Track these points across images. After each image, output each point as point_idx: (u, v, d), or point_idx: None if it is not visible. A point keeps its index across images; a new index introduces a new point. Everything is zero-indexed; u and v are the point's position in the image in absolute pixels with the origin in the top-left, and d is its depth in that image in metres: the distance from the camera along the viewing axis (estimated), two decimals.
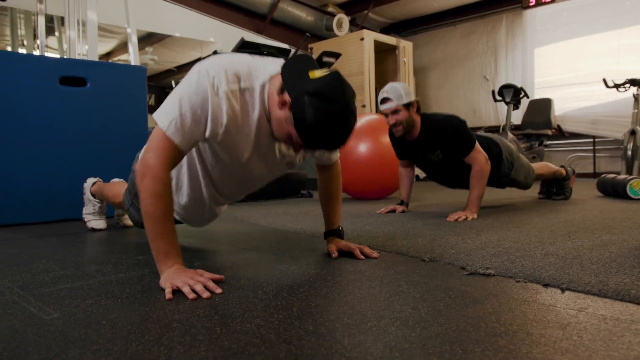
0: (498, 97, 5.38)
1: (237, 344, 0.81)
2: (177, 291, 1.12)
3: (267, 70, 1.24)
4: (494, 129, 6.17)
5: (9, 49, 5.11)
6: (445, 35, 7.18)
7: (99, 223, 2.22)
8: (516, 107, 5.33)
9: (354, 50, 5.79)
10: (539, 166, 3.13)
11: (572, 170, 3.34)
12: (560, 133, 5.71)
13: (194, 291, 1.10)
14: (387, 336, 0.83)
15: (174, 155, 1.21)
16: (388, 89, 2.50)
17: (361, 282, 1.21)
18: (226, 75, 1.19)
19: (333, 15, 6.62)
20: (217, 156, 1.36)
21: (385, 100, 2.50)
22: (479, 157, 2.49)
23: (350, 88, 1.18)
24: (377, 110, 6.32)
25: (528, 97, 5.32)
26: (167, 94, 4.00)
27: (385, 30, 7.72)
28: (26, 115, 2.48)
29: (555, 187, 3.34)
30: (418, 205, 3.18)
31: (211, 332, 0.87)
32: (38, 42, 3.76)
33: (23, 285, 1.24)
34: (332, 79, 1.14)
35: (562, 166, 3.33)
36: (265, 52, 3.80)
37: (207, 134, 1.22)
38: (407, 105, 2.49)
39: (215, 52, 3.63)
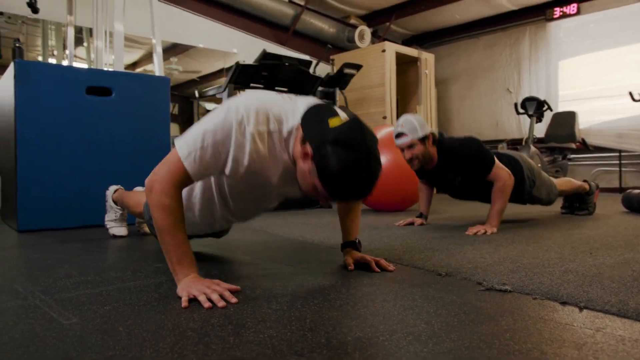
0: (521, 110, 5.32)
1: (249, 354, 0.82)
2: (193, 300, 1.14)
3: (296, 116, 1.24)
4: (517, 142, 6.10)
5: (40, 58, 5.27)
6: (468, 47, 7.15)
7: (120, 230, 2.27)
8: (539, 120, 5.26)
9: (376, 62, 5.81)
10: (561, 182, 3.08)
11: (595, 185, 3.27)
12: (584, 147, 5.60)
13: (209, 300, 1.12)
14: (399, 351, 0.83)
15: (185, 180, 1.22)
16: (402, 123, 2.47)
17: (375, 295, 1.21)
18: (256, 115, 1.19)
19: (355, 27, 6.66)
20: (236, 185, 1.35)
21: (400, 135, 2.47)
22: (501, 173, 2.47)
23: (370, 133, 1.17)
24: None
25: (551, 110, 5.25)
26: (191, 103, 4.07)
27: (408, 42, 7.72)
28: (54, 124, 2.56)
29: (579, 202, 3.28)
30: (437, 217, 3.16)
31: (224, 342, 0.88)
32: (67, 52, 3.88)
33: (45, 290, 1.27)
34: (352, 125, 1.14)
35: (585, 181, 3.26)
36: (287, 64, 3.85)
37: (227, 171, 1.23)
38: (423, 139, 2.45)
39: (237, 64, 3.70)
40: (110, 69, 3.80)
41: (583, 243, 2.00)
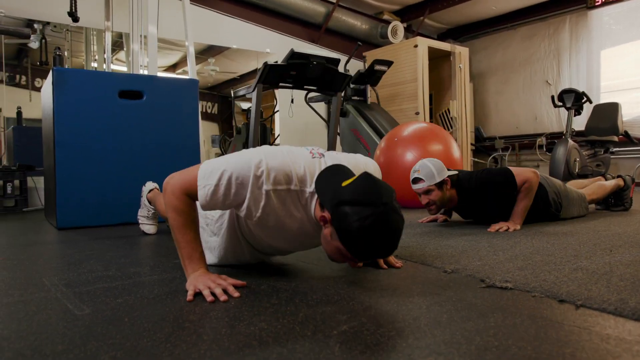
0: (558, 103, 5.16)
1: (235, 345, 0.87)
2: (198, 294, 1.20)
3: None
4: (556, 136, 5.91)
5: (84, 63, 5.54)
6: (505, 40, 6.97)
7: (150, 228, 2.38)
8: (578, 112, 5.08)
9: (408, 58, 5.77)
10: (591, 191, 2.97)
11: (631, 179, 3.15)
12: (628, 139, 5.37)
13: (213, 294, 1.18)
14: (377, 345, 0.86)
15: (195, 196, 1.26)
16: (419, 168, 2.45)
17: (374, 291, 1.24)
18: (277, 174, 1.20)
19: (388, 22, 6.63)
20: (255, 229, 1.36)
21: (416, 180, 2.45)
22: (525, 175, 2.40)
23: (385, 186, 1.15)
24: (431, 118, 6.25)
25: (591, 102, 5.05)
26: (230, 103, 4.15)
27: (443, 36, 7.61)
28: (89, 127, 2.71)
29: (614, 198, 3.16)
30: None
31: (216, 333, 0.93)
32: (105, 56, 4.07)
33: (68, 283, 1.37)
34: (364, 181, 1.13)
35: (619, 176, 3.15)
36: (314, 62, 3.90)
37: (242, 214, 1.25)
38: (440, 184, 2.42)
39: (265, 64, 3.77)
40: (146, 71, 3.97)
41: (606, 240, 1.95)
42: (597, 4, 5.85)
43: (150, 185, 2.42)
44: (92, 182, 2.72)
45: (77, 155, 2.68)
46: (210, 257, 1.56)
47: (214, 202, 1.24)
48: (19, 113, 4.86)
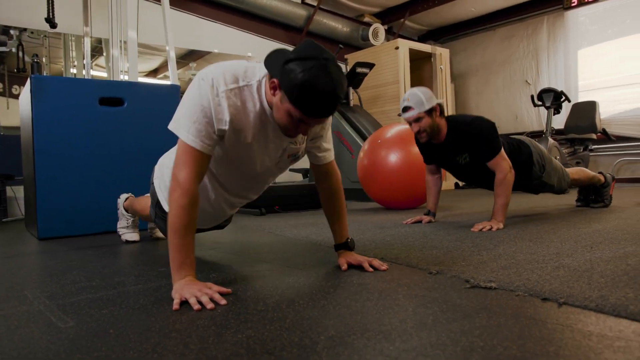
0: (538, 102, 5.24)
1: (222, 353, 0.87)
2: (185, 302, 1.19)
3: (262, 69, 1.33)
4: (537, 134, 6.00)
5: (62, 69, 5.46)
6: (484, 40, 7.06)
7: (132, 236, 2.36)
8: (557, 111, 5.17)
9: (389, 59, 5.81)
10: (574, 171, 3.03)
11: (611, 177, 3.22)
12: (606, 137, 5.48)
13: (199, 302, 1.17)
14: (365, 349, 0.86)
15: (202, 163, 1.30)
16: (409, 97, 2.48)
17: (360, 294, 1.25)
18: (224, 76, 1.29)
19: (369, 25, 6.66)
20: (222, 156, 1.42)
21: (406, 109, 2.48)
22: (503, 165, 2.45)
23: (327, 50, 1.24)
24: None
25: (569, 101, 5.15)
26: None
27: (423, 37, 7.68)
28: (69, 135, 2.67)
29: (594, 195, 3.23)
30: (447, 214, 3.16)
31: (203, 342, 0.93)
32: (84, 62, 4.02)
33: (51, 295, 1.35)
34: (306, 42, 1.24)
35: (600, 172, 3.21)
36: None
37: (215, 132, 1.30)
38: (430, 112, 2.46)
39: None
40: (126, 77, 3.93)
41: (587, 237, 1.99)
42: (573, 4, 5.97)
43: (124, 195, 2.41)
44: (73, 190, 2.68)
45: (58, 164, 2.64)
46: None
47: (206, 136, 1.28)
48: None
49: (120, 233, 2.39)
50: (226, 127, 1.30)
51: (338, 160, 5.01)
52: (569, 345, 0.85)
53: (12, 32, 4.82)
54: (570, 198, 3.57)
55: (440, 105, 2.51)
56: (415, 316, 1.04)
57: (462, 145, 2.53)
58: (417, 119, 2.47)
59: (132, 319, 1.09)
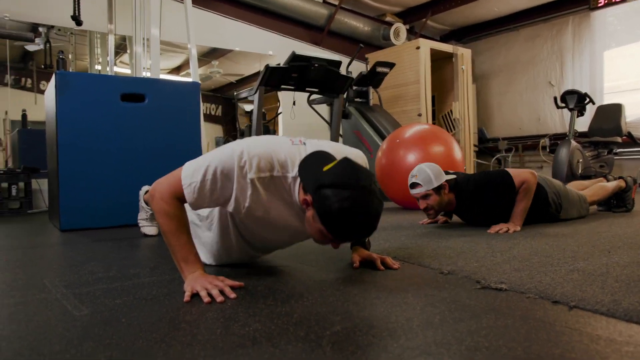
0: (561, 104, 5.14)
1: (229, 345, 0.88)
2: (196, 295, 1.22)
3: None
4: (560, 137, 5.89)
5: (88, 66, 5.58)
6: (508, 41, 6.96)
7: (150, 229, 2.40)
8: (581, 113, 5.07)
9: (410, 59, 5.77)
10: (592, 192, 2.97)
11: (633, 180, 3.15)
12: (631, 140, 5.35)
13: (209, 295, 1.19)
14: (369, 345, 0.87)
15: (183, 198, 1.29)
16: (417, 173, 2.46)
17: (370, 292, 1.25)
18: (259, 162, 1.24)
19: (391, 24, 6.64)
20: (248, 222, 1.39)
21: (414, 185, 2.46)
22: (523, 175, 2.42)
23: (364, 170, 1.19)
24: (434, 119, 6.25)
25: (594, 103, 5.04)
26: (234, 105, 4.17)
27: (446, 37, 7.61)
28: (92, 130, 2.73)
29: (616, 199, 3.16)
30: None
31: (211, 333, 0.95)
32: (108, 59, 4.10)
33: (69, 284, 1.39)
34: (343, 166, 1.17)
35: (621, 177, 3.15)
36: (316, 65, 3.91)
37: (231, 209, 1.29)
38: (438, 189, 2.43)
39: (267, 66, 3.79)
40: (149, 73, 3.99)
41: (606, 241, 1.95)
42: (599, 5, 5.84)
43: (145, 188, 2.45)
44: (94, 184, 2.74)
45: (80, 158, 2.70)
46: (203, 255, 1.58)
47: (201, 199, 1.27)
48: (24, 116, 4.90)
49: (140, 225, 2.44)
50: (244, 211, 1.28)
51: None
52: (575, 349, 0.84)
53: (40, 29, 4.95)
54: None
55: (449, 182, 2.47)
56: (423, 315, 1.05)
57: (473, 208, 2.53)
58: (425, 196, 2.45)
59: (144, 309, 1.12)
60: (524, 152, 6.78)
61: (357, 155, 1.51)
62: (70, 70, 5.13)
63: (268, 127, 6.65)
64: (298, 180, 1.27)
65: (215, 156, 1.27)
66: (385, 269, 1.52)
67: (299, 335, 0.93)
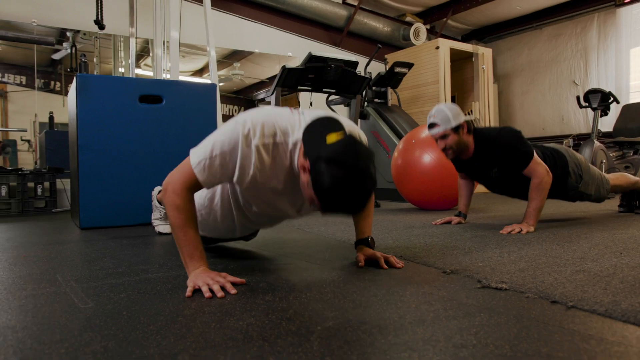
0: (584, 103, 5.04)
1: (220, 338, 0.91)
2: (198, 290, 1.25)
3: (302, 129, 1.31)
4: (584, 137, 5.77)
5: (112, 68, 5.72)
6: (530, 40, 6.85)
7: (164, 228, 2.45)
8: (604, 113, 4.95)
9: (430, 59, 5.74)
10: (615, 177, 2.90)
11: None
12: None
13: (210, 290, 1.22)
14: (357, 341, 0.88)
15: (195, 185, 1.33)
16: (435, 113, 2.45)
17: (368, 289, 1.26)
18: (262, 128, 1.27)
19: (410, 24, 6.61)
20: (249, 196, 1.44)
21: (432, 125, 2.45)
22: (539, 169, 2.39)
23: (365, 151, 1.21)
24: None
25: (618, 102, 4.92)
26: (255, 105, 4.26)
27: (467, 37, 7.53)
28: (111, 130, 2.81)
29: (638, 200, 3.09)
30: (480, 216, 3.10)
31: (205, 327, 0.97)
32: (129, 61, 4.20)
33: (79, 279, 1.44)
34: (345, 144, 1.18)
35: None
36: (332, 65, 3.93)
37: (235, 179, 1.32)
38: (456, 129, 2.41)
39: (283, 67, 3.83)
40: (168, 75, 4.07)
41: (620, 243, 1.91)
42: (626, 1, 5.69)
43: (158, 188, 2.50)
44: (113, 183, 2.82)
45: (99, 158, 2.78)
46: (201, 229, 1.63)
47: (212, 175, 1.31)
48: (51, 118, 5.06)
49: (154, 224, 2.50)
50: (247, 179, 1.31)
51: (375, 160, 5.00)
52: (564, 348, 0.84)
53: (68, 33, 5.11)
54: (613, 204, 3.43)
55: (468, 123, 2.46)
56: (416, 312, 1.05)
57: (490, 160, 2.49)
58: (444, 136, 2.43)
59: (146, 303, 1.15)
60: None
61: (357, 128, 1.52)
62: (95, 73, 5.28)
63: None
64: (298, 145, 1.30)
65: (218, 133, 1.32)
66: (389, 268, 1.53)
67: (291, 329, 0.95)
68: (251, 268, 1.59)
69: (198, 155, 1.31)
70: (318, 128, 1.26)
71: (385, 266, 1.53)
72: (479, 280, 1.33)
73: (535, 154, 2.42)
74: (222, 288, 1.24)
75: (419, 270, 1.50)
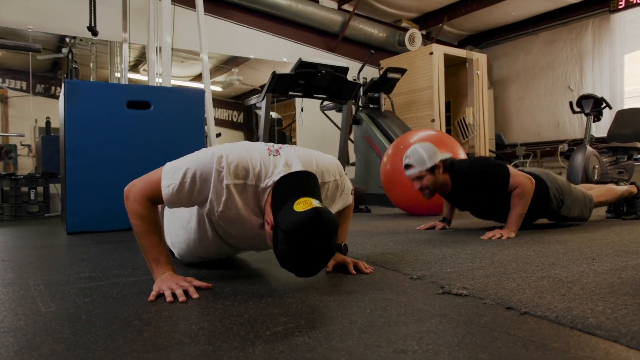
0: (577, 109, 5.04)
1: (168, 341, 0.92)
2: (162, 295, 1.26)
3: (276, 173, 1.31)
4: (579, 142, 5.77)
5: (108, 74, 5.77)
6: (526, 45, 6.87)
7: None
8: (597, 118, 4.95)
9: (424, 65, 5.76)
10: (600, 193, 2.90)
11: None
12: None
13: (173, 295, 1.24)
14: (300, 346, 0.89)
15: (157, 200, 1.35)
16: (410, 154, 2.47)
17: (330, 295, 1.27)
18: (236, 168, 1.29)
19: (406, 30, 6.63)
20: (223, 224, 1.44)
21: (408, 166, 2.48)
22: (520, 179, 2.39)
23: (328, 226, 1.17)
24: (448, 125, 6.20)
25: (610, 108, 4.92)
26: (251, 111, 4.27)
27: (463, 42, 7.56)
28: (98, 136, 2.83)
29: (626, 206, 3.09)
30: (465, 222, 3.11)
31: (157, 330, 0.99)
32: (122, 66, 4.24)
33: (50, 283, 1.46)
34: (311, 219, 1.15)
35: (633, 183, 3.07)
36: (323, 71, 3.96)
37: (205, 210, 1.35)
38: (432, 169, 2.43)
39: (274, 73, 3.86)
40: (160, 80, 4.11)
41: (597, 249, 1.92)
42: (620, 7, 5.71)
43: None
44: (101, 188, 2.84)
45: (87, 163, 2.81)
46: (181, 251, 1.65)
47: (179, 199, 1.32)
48: (48, 123, 5.10)
49: None
50: (217, 214, 1.33)
51: (367, 165, 5.02)
52: (502, 354, 0.85)
53: (67, 39, 5.16)
54: (601, 210, 3.43)
55: (444, 162, 2.46)
56: (369, 318, 1.06)
57: (469, 194, 2.52)
58: (419, 177, 2.46)
59: (107, 307, 1.17)
60: (542, 159, 6.66)
61: (331, 163, 1.52)
62: (92, 79, 5.33)
63: (284, 133, 6.73)
64: (267, 192, 1.31)
65: (194, 159, 1.32)
66: (357, 274, 1.54)
67: (240, 334, 0.96)
68: (221, 274, 1.60)
69: (170, 177, 1.32)
70: (291, 186, 1.27)
71: (354, 272, 1.54)
72: (442, 286, 1.34)
73: (509, 168, 2.43)
74: (185, 292, 1.26)
75: (386, 276, 1.51)
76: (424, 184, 2.45)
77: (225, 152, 1.30)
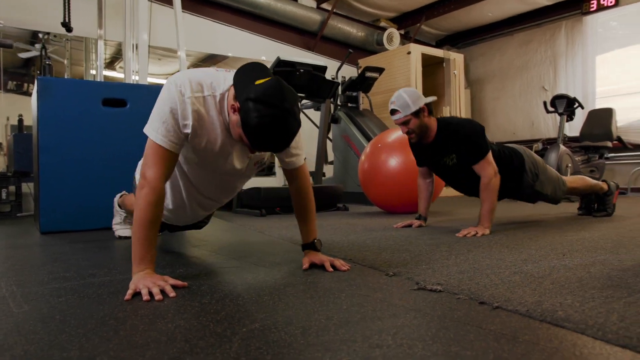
0: (550, 109, 5.16)
1: (144, 340, 0.92)
2: (138, 293, 1.26)
3: (227, 81, 1.40)
4: (553, 141, 5.90)
5: (83, 71, 5.66)
6: (502, 46, 6.99)
7: (124, 231, 2.45)
8: (570, 118, 5.08)
9: (401, 64, 5.81)
10: (573, 179, 2.99)
11: (615, 185, 3.16)
12: (622, 145, 5.35)
13: (150, 293, 1.23)
14: (277, 342, 0.90)
15: (169, 161, 1.40)
16: (395, 99, 2.51)
17: (307, 292, 1.28)
18: (190, 84, 1.37)
19: (384, 29, 6.68)
20: (191, 159, 1.54)
21: (393, 112, 2.52)
22: (488, 169, 2.44)
23: (291, 92, 1.30)
24: None
25: (582, 108, 5.05)
26: None
27: (441, 42, 7.64)
28: (72, 134, 2.78)
29: (597, 203, 3.18)
30: (442, 219, 3.16)
31: (133, 329, 0.99)
32: (97, 63, 4.17)
33: (22, 284, 1.44)
34: (272, 85, 1.27)
35: (604, 180, 3.16)
36: (301, 70, 3.96)
37: (188, 132, 1.40)
38: (417, 113, 2.48)
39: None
40: (137, 78, 4.06)
41: (568, 245, 1.97)
42: (592, 9, 5.85)
43: (120, 193, 2.50)
44: (75, 187, 2.79)
45: (61, 161, 2.75)
46: None
47: (174, 136, 1.38)
48: (20, 120, 4.98)
49: (114, 229, 2.49)
50: (189, 131, 1.39)
51: (345, 164, 5.04)
52: (474, 347, 0.87)
53: (40, 35, 5.05)
54: (573, 207, 3.52)
55: (428, 105, 2.53)
56: (345, 314, 1.08)
57: (449, 145, 2.54)
58: (405, 122, 2.50)
59: (82, 307, 1.16)
60: None
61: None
62: (66, 76, 5.22)
63: None
64: (226, 97, 1.39)
65: (158, 103, 1.41)
66: (334, 271, 1.55)
67: (216, 331, 0.97)
68: (198, 272, 1.60)
69: (153, 129, 1.39)
70: (248, 72, 1.35)
71: (331, 269, 1.56)
72: (417, 283, 1.37)
73: (489, 154, 2.48)
74: (162, 291, 1.25)
75: (362, 273, 1.53)
76: (410, 127, 2.50)
77: (174, 78, 1.39)
